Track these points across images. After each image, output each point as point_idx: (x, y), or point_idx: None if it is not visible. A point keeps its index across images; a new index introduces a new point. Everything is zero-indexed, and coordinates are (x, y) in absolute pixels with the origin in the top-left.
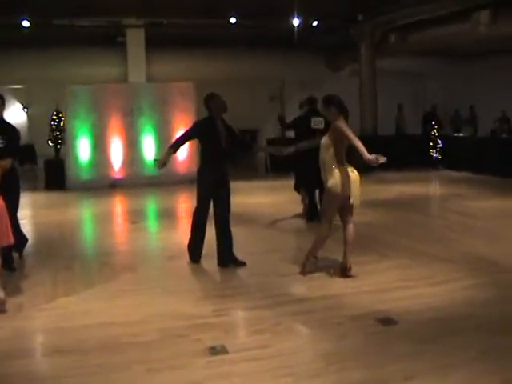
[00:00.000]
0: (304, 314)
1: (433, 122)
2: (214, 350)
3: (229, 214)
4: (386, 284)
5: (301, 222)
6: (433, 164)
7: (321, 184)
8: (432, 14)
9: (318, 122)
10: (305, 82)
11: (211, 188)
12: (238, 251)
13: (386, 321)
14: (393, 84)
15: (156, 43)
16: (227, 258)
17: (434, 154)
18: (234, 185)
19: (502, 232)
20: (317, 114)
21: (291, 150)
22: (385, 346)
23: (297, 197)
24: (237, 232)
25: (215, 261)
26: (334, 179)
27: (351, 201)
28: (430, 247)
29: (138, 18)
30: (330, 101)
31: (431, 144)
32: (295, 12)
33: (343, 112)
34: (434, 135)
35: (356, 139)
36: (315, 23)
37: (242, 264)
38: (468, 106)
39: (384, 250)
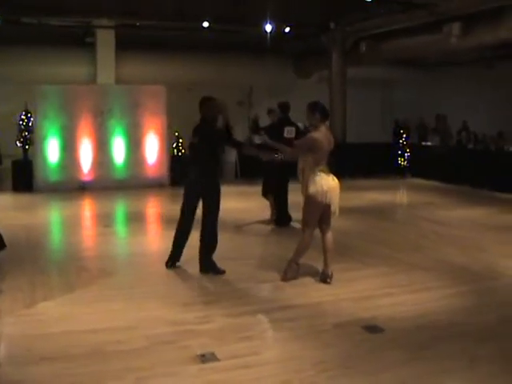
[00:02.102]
0: (289, 321)
1: (401, 131)
2: (204, 358)
3: (209, 221)
4: (367, 291)
5: (272, 228)
6: (400, 172)
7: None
8: (404, 25)
9: (290, 132)
10: (273, 88)
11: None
12: (215, 257)
13: (372, 328)
14: (360, 92)
15: (126, 45)
16: (207, 265)
17: (402, 162)
18: None
19: (474, 241)
20: (289, 122)
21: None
22: (374, 353)
23: (267, 202)
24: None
25: (193, 266)
26: (315, 187)
27: (332, 209)
28: (407, 255)
29: (109, 19)
30: (314, 107)
31: (399, 152)
32: (268, 18)
33: (326, 118)
34: (403, 143)
35: (293, 148)
36: (287, 30)
37: (221, 272)
38: (434, 114)
39: (362, 258)
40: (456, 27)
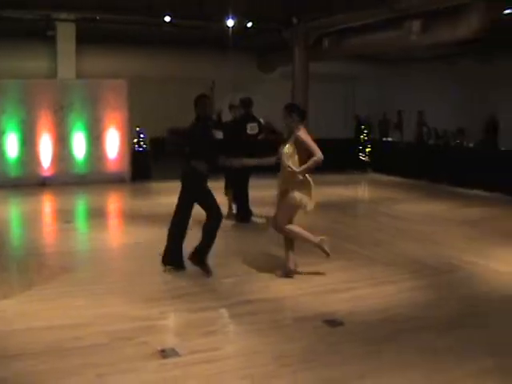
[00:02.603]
0: (251, 315)
1: (362, 127)
2: (165, 353)
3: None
4: (328, 285)
5: (234, 224)
6: (362, 167)
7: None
8: (366, 21)
9: (253, 128)
10: (236, 83)
11: None
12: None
13: (333, 322)
14: (323, 87)
15: (88, 39)
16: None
17: (363, 157)
18: (164, 185)
19: (432, 235)
20: (252, 118)
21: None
22: (335, 347)
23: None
24: None
25: (156, 262)
26: (302, 191)
27: (308, 208)
28: (367, 249)
29: (69, 13)
30: (291, 109)
31: (361, 148)
32: (230, 13)
33: (304, 119)
34: (364, 139)
35: (317, 151)
36: (249, 25)
37: (182, 267)
38: (396, 110)
39: (313, 252)
40: (416, 24)
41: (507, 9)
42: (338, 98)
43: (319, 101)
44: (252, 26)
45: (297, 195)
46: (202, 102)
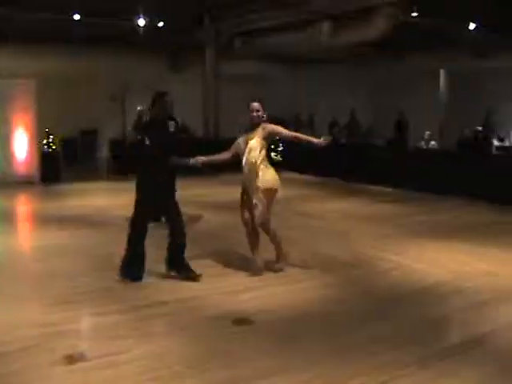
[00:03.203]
0: (160, 317)
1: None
2: (72, 359)
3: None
4: (239, 285)
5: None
6: (274, 166)
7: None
8: (278, 22)
9: (171, 126)
10: (148, 83)
11: None
12: (87, 254)
13: (243, 321)
14: (235, 88)
15: None
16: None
17: (276, 156)
18: (74, 187)
19: (345, 232)
20: (170, 117)
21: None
22: (244, 345)
23: None
24: (90, 235)
25: (67, 264)
26: (273, 176)
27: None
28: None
29: None
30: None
31: (273, 146)
32: (140, 12)
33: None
34: (276, 138)
35: (295, 133)
36: (161, 24)
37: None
38: (307, 110)
39: (232, 251)
40: (326, 25)
41: (414, 11)
42: (251, 98)
43: (232, 101)
44: (163, 25)
45: (271, 183)
46: (162, 101)
